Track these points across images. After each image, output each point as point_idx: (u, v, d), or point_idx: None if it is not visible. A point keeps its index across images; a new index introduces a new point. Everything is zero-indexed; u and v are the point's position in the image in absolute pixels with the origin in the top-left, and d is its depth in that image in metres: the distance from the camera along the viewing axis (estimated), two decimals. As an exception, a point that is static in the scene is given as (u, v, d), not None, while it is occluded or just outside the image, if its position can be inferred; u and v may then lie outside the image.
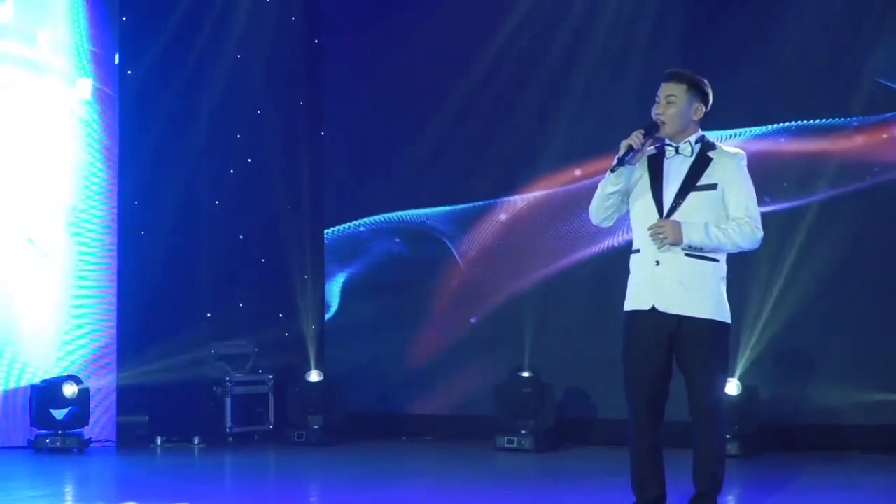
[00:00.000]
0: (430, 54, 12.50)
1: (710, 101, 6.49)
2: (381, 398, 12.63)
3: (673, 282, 6.28)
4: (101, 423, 11.58)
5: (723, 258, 6.38)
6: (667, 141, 6.46)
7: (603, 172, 6.50)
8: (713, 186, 6.33)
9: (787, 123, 11.04)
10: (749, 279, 10.55)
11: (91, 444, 11.25)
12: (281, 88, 13.06)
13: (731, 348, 6.63)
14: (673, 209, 6.33)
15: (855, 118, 10.81)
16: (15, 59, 11.37)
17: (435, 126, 12.42)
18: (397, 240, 12.74)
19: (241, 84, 12.60)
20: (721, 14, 11.32)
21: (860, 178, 10.77)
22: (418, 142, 12.49)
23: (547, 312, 11.79)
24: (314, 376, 12.04)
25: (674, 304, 6.28)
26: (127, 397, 11.77)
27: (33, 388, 11.20)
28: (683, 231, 6.24)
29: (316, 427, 11.80)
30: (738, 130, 11.04)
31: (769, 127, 11.09)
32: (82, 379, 11.32)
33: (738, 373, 10.66)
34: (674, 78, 6.44)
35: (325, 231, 13.07)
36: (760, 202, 6.48)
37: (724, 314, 6.35)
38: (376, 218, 12.82)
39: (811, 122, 10.97)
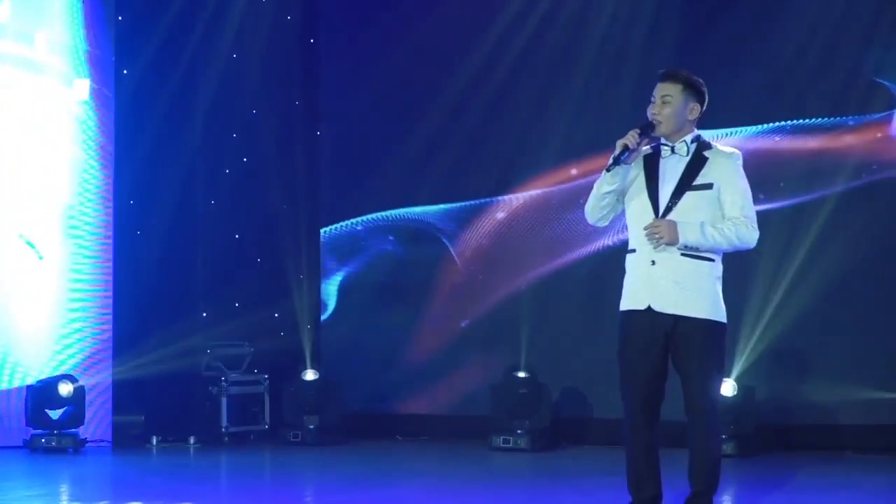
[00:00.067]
0: (426, 53, 12.49)
1: (706, 101, 6.49)
2: (377, 398, 12.63)
3: (669, 281, 6.28)
4: (96, 423, 11.55)
5: (719, 258, 6.37)
6: (662, 140, 6.45)
7: (599, 172, 6.49)
8: (709, 186, 6.32)
9: (783, 122, 11.04)
10: (746, 279, 10.55)
11: (86, 444, 11.23)
12: (277, 88, 13.06)
13: (727, 348, 6.62)
14: (669, 209, 6.32)
15: (851, 117, 10.81)
16: (12, 59, 11.35)
17: (431, 125, 12.41)
18: (394, 239, 12.74)
19: (237, 83, 12.59)
20: (718, 14, 11.32)
21: (857, 176, 10.78)
22: (414, 141, 12.49)
23: (543, 312, 11.78)
24: (310, 375, 12.03)
25: (670, 304, 6.27)
26: (122, 397, 11.76)
27: (29, 388, 11.19)
28: (679, 231, 6.23)
29: (312, 427, 11.79)
30: (733, 129, 11.03)
31: (765, 126, 11.09)
32: (77, 378, 11.30)
33: (734, 373, 10.66)
34: (669, 77, 6.43)
35: (322, 230, 13.06)
36: (755, 201, 6.47)
37: (720, 314, 6.34)
38: (373, 217, 12.81)
39: (808, 121, 10.97)
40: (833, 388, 10.69)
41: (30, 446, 11.07)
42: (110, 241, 11.80)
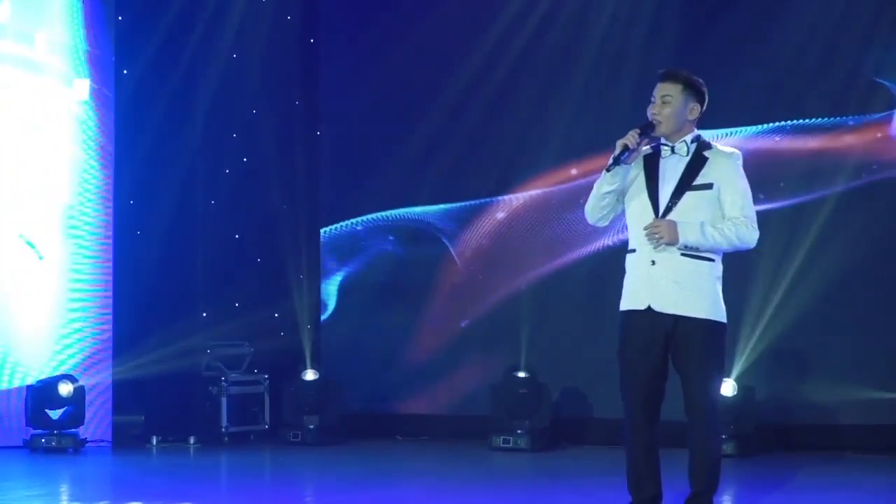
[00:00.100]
0: (426, 53, 12.49)
1: (706, 101, 6.49)
2: (377, 398, 12.63)
3: (669, 281, 6.28)
4: (96, 423, 11.55)
5: (719, 258, 6.37)
6: (662, 140, 6.45)
7: (599, 171, 6.49)
8: (709, 186, 6.32)
9: (783, 122, 11.04)
10: (745, 279, 10.54)
11: (86, 444, 11.23)
12: (277, 88, 13.06)
13: (728, 348, 6.63)
14: (669, 209, 6.32)
15: (851, 117, 10.81)
16: (12, 59, 11.35)
17: (431, 125, 12.41)
18: (394, 239, 12.73)
19: (237, 83, 12.59)
20: (718, 13, 11.31)
21: (857, 176, 10.77)
22: (414, 141, 12.49)
23: (543, 312, 11.78)
24: (310, 375, 12.03)
25: (670, 304, 6.27)
26: (122, 397, 11.76)
27: (29, 388, 11.18)
28: (679, 231, 6.23)
29: (312, 427, 11.79)
30: (733, 129, 11.02)
31: (765, 126, 11.09)
32: (77, 378, 11.30)
33: (734, 372, 10.66)
34: (669, 78, 6.43)
35: (322, 230, 13.06)
36: (755, 201, 6.47)
37: (720, 314, 6.34)
38: (372, 217, 12.80)
39: (808, 121, 10.96)
40: (833, 388, 10.69)
41: (30, 446, 11.07)
42: (110, 241, 11.80)
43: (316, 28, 13.39)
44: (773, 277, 10.79)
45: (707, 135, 6.56)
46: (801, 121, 10.99)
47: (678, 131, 6.41)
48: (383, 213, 12.77)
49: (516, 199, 12.16)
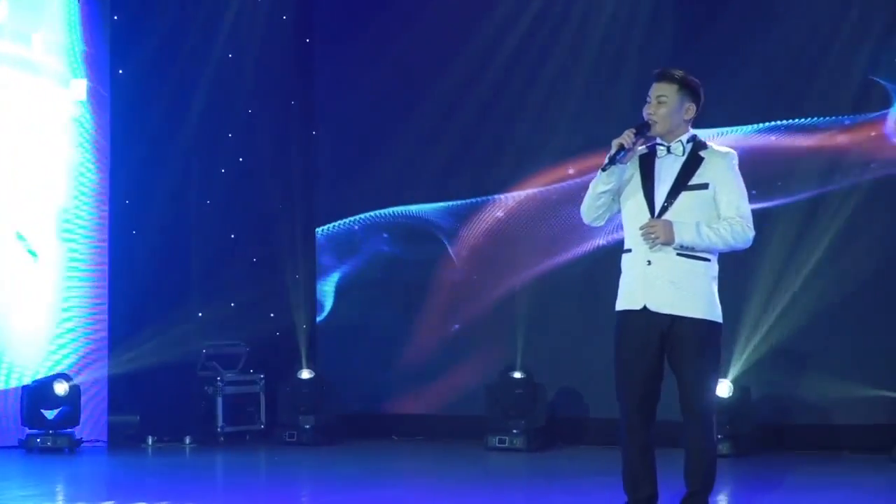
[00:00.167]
0: (422, 53, 12.49)
1: (702, 101, 6.48)
2: (373, 398, 12.62)
3: (664, 281, 6.27)
4: (92, 423, 11.55)
5: (714, 258, 6.37)
6: (658, 140, 6.45)
7: (595, 171, 6.49)
8: (704, 186, 6.32)
9: (780, 122, 11.04)
10: (742, 279, 10.54)
11: (82, 444, 11.23)
12: (272, 87, 13.05)
13: (723, 348, 6.62)
14: (664, 209, 6.31)
15: (848, 116, 10.82)
16: (9, 59, 11.34)
17: (426, 124, 12.42)
18: (390, 238, 12.73)
19: (232, 83, 12.59)
20: (714, 13, 11.32)
21: (854, 175, 10.77)
22: (410, 140, 12.50)
23: (539, 312, 11.78)
24: (305, 374, 12.02)
25: (665, 304, 6.27)
26: (118, 397, 11.76)
27: (24, 388, 11.18)
28: (675, 231, 6.23)
29: (307, 427, 11.79)
30: (729, 129, 11.02)
31: (762, 125, 11.09)
32: (72, 378, 11.29)
33: (731, 373, 10.65)
34: (665, 78, 6.43)
35: (317, 229, 13.06)
36: (751, 200, 6.47)
37: (715, 314, 6.34)
38: (369, 216, 12.80)
39: (804, 120, 10.97)
40: (829, 387, 10.69)
41: (25, 446, 11.07)
42: (105, 240, 11.79)
43: (311, 28, 13.38)
44: (770, 277, 10.79)
45: (703, 134, 6.56)
46: (797, 120, 10.99)
47: (674, 131, 6.41)
48: (379, 213, 12.76)
49: (512, 198, 12.15)
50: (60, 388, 11.10)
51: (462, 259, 12.39)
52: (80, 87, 11.69)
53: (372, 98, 12.80)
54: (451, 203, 12.42)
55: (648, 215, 6.33)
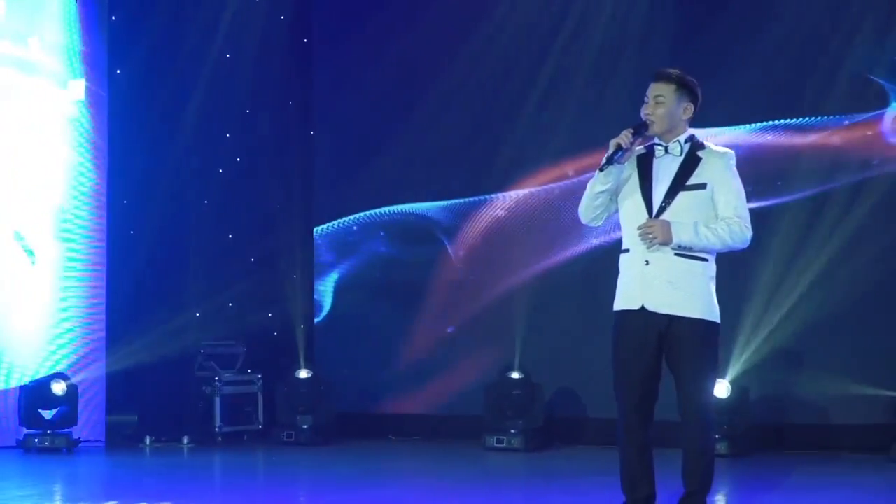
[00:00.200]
0: (419, 53, 12.50)
1: (700, 101, 6.48)
2: (370, 398, 12.62)
3: (662, 281, 6.27)
4: (89, 423, 11.54)
5: (712, 258, 6.37)
6: (656, 140, 6.45)
7: (593, 171, 6.49)
8: (702, 186, 6.31)
9: (778, 121, 11.05)
10: (740, 279, 10.54)
11: (80, 444, 11.22)
12: (270, 87, 13.06)
13: (722, 348, 6.62)
14: (662, 209, 6.31)
15: (846, 115, 10.82)
16: (7, 59, 11.33)
17: (424, 124, 12.42)
18: (388, 238, 12.73)
19: (230, 83, 12.59)
20: (712, 13, 11.32)
21: (852, 174, 10.78)
22: (408, 140, 12.49)
23: (537, 311, 11.78)
24: (303, 373, 12.02)
25: (663, 304, 6.27)
26: (116, 397, 11.76)
27: (22, 388, 11.17)
28: (673, 231, 6.23)
29: (305, 427, 11.79)
30: (727, 128, 11.03)
31: (760, 124, 11.09)
32: (70, 377, 11.28)
33: (728, 373, 10.65)
34: (662, 78, 6.42)
35: (315, 229, 13.06)
36: (749, 199, 6.48)
37: (713, 314, 6.33)
38: (366, 216, 12.80)
39: (802, 119, 10.97)
40: (827, 387, 10.70)
41: (23, 446, 11.07)
42: (103, 240, 11.78)
43: (309, 28, 13.39)
44: (768, 277, 10.80)
45: (701, 133, 6.56)
46: (795, 119, 10.99)
47: (671, 131, 6.41)
48: (377, 213, 12.77)
49: (510, 197, 12.16)
50: (58, 388, 11.10)
51: (460, 259, 12.40)
52: (78, 88, 11.68)
53: (370, 98, 12.81)
54: (449, 202, 12.42)
55: (646, 215, 6.33)
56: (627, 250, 6.43)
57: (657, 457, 6.43)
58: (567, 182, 11.75)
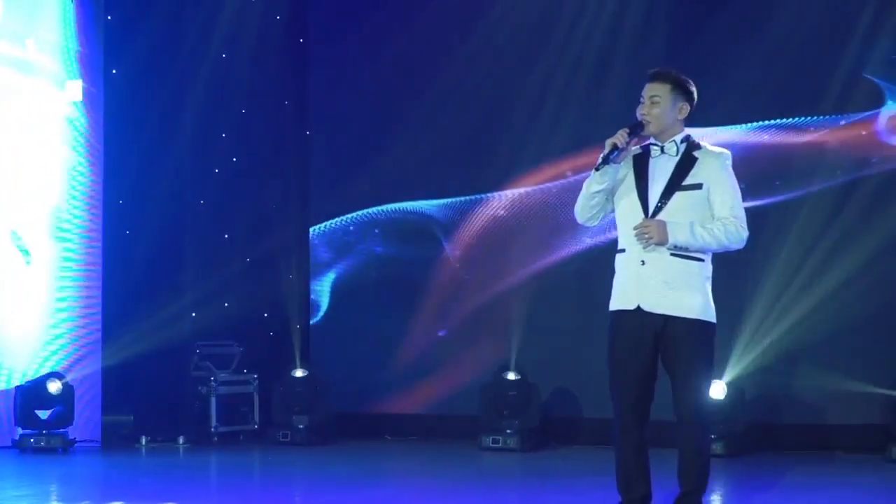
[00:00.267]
0: (415, 52, 12.49)
1: (695, 101, 6.49)
2: (366, 398, 12.61)
3: (658, 282, 6.28)
4: (85, 423, 11.53)
5: (708, 258, 6.38)
6: (652, 140, 6.46)
7: (589, 170, 6.49)
8: (698, 186, 6.32)
9: (776, 121, 11.05)
10: (736, 279, 10.53)
11: (76, 444, 11.21)
12: (266, 87, 13.05)
13: (718, 348, 6.62)
14: (658, 209, 6.32)
15: (843, 115, 10.82)
16: (4, 59, 11.32)
17: (420, 123, 12.41)
18: (384, 238, 12.72)
19: (227, 83, 12.57)
20: (708, 12, 11.32)
21: (849, 173, 10.78)
22: (404, 140, 12.48)
23: (533, 311, 11.77)
24: (299, 373, 12.01)
25: (659, 304, 6.27)
26: (111, 397, 11.74)
27: (18, 388, 11.16)
28: (669, 231, 6.23)
29: (301, 427, 11.78)
30: (724, 128, 11.03)
31: (758, 124, 11.09)
32: (65, 377, 11.27)
33: (724, 373, 10.64)
34: (658, 78, 6.44)
35: (311, 229, 13.06)
36: (747, 199, 6.48)
37: (709, 314, 6.34)
38: (363, 216, 12.79)
39: (800, 118, 10.98)
40: (823, 387, 10.69)
41: (19, 446, 11.05)
42: (99, 241, 11.77)
43: (305, 28, 13.38)
44: (764, 277, 10.80)
45: (697, 133, 6.56)
46: (793, 118, 11.00)
47: (667, 131, 6.41)
48: (373, 212, 12.76)
49: (506, 196, 12.16)
50: (54, 388, 11.08)
51: (456, 258, 12.39)
52: (75, 88, 11.67)
53: (366, 97, 12.81)
54: (445, 201, 12.41)
55: (642, 215, 6.34)
56: (623, 250, 6.44)
57: (653, 457, 6.43)
58: (563, 181, 11.75)
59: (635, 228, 6.32)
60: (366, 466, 10.48)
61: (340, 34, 13.01)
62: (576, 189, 6.62)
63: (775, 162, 10.96)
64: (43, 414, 11.13)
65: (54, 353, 11.49)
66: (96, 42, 11.87)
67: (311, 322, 13.01)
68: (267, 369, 12.39)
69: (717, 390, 10.30)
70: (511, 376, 11.37)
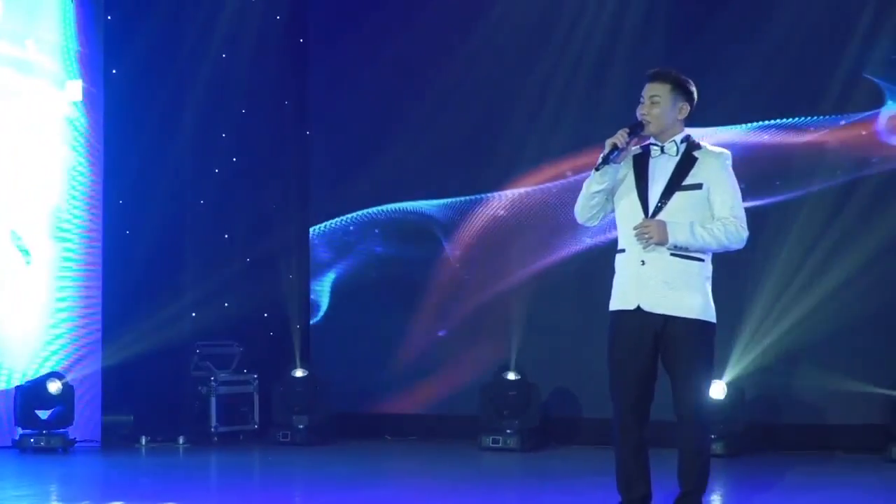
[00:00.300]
0: (415, 52, 12.49)
1: (695, 101, 6.49)
2: (366, 398, 12.61)
3: (658, 282, 6.28)
4: (85, 423, 11.52)
5: (708, 258, 6.38)
6: (652, 140, 6.46)
7: (588, 170, 6.50)
8: (698, 186, 6.32)
9: (776, 121, 11.05)
10: (736, 279, 10.53)
11: (76, 444, 11.20)
12: (266, 87, 13.04)
13: (718, 348, 6.62)
14: (658, 209, 6.32)
15: (843, 115, 10.82)
16: (4, 60, 11.32)
17: (421, 123, 12.41)
18: (384, 238, 12.72)
19: (226, 83, 12.57)
20: (708, 13, 11.32)
21: (849, 173, 10.77)
22: (404, 140, 12.48)
23: (533, 311, 11.77)
24: (299, 373, 12.01)
25: (659, 304, 6.27)
26: (111, 397, 11.74)
27: (18, 388, 11.16)
28: (669, 231, 6.23)
29: (301, 427, 11.78)
30: (724, 128, 11.03)
31: (758, 124, 11.09)
32: (65, 377, 11.27)
33: (724, 373, 10.64)
34: (658, 78, 6.44)
35: (311, 229, 13.05)
36: (747, 199, 6.48)
37: (709, 314, 6.35)
38: (363, 216, 12.79)
39: (799, 118, 10.97)
40: (823, 387, 10.69)
41: (19, 446, 11.05)
42: (99, 241, 11.77)
43: (305, 27, 13.38)
44: (764, 277, 10.80)
45: (697, 133, 6.57)
46: (792, 118, 10.99)
47: (667, 131, 6.42)
48: (373, 212, 12.76)
49: (506, 196, 12.15)
50: (54, 388, 11.08)
51: (456, 258, 12.39)
52: (75, 88, 11.66)
53: (366, 98, 12.80)
54: (445, 201, 12.41)
55: (642, 215, 6.34)
56: (623, 250, 6.44)
57: (653, 457, 6.44)
58: (563, 181, 11.75)
59: (635, 228, 6.32)
60: (366, 466, 10.48)
61: (340, 34, 13.01)
62: (576, 189, 6.62)
63: (775, 162, 10.96)
64: (43, 414, 11.13)
65: (54, 353, 11.49)
66: (96, 42, 11.86)
67: (311, 322, 13.01)
68: (267, 369, 12.39)
69: (717, 390, 10.30)
70: (511, 376, 11.37)
